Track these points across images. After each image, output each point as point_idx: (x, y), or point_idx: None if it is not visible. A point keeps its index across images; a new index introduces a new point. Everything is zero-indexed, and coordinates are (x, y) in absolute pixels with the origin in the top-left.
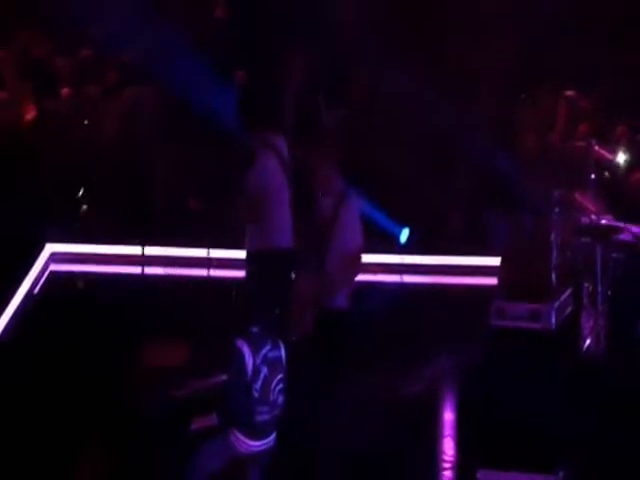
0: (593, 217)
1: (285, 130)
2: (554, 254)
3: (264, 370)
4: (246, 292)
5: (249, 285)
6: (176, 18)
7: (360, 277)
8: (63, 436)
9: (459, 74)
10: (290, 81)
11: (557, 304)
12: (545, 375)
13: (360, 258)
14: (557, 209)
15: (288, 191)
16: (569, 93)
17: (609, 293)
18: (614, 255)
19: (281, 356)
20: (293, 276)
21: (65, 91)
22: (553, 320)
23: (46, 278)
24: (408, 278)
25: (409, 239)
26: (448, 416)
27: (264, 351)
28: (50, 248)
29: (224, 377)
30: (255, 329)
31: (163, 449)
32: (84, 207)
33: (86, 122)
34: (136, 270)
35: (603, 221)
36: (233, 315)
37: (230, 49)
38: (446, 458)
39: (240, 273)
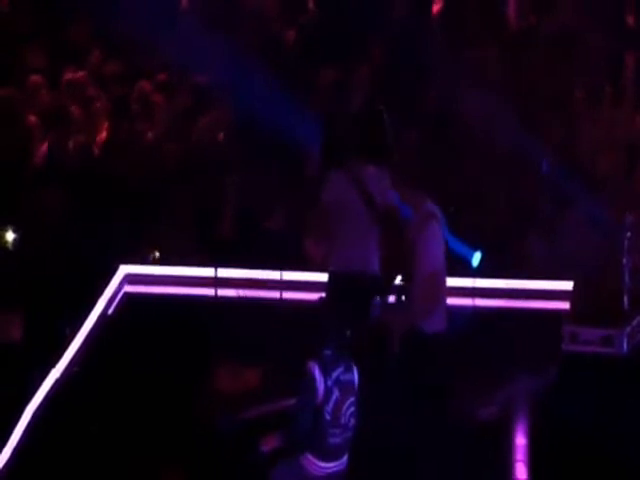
0: None
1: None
2: (626, 278)
3: (336, 392)
4: (319, 313)
5: (323, 306)
6: (247, 40)
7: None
8: (135, 459)
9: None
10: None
11: (629, 329)
12: (617, 401)
13: (440, 276)
14: (629, 233)
15: (365, 211)
16: None
17: None
18: None
19: (353, 379)
20: (373, 300)
21: (136, 114)
22: (625, 345)
23: (120, 299)
24: (480, 302)
25: (481, 262)
26: (520, 441)
27: (336, 374)
28: (124, 269)
29: (294, 400)
30: (328, 351)
31: (235, 471)
32: (156, 255)
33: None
34: (209, 292)
35: None
36: (306, 338)
37: (302, 70)
38: None
39: (312, 295)
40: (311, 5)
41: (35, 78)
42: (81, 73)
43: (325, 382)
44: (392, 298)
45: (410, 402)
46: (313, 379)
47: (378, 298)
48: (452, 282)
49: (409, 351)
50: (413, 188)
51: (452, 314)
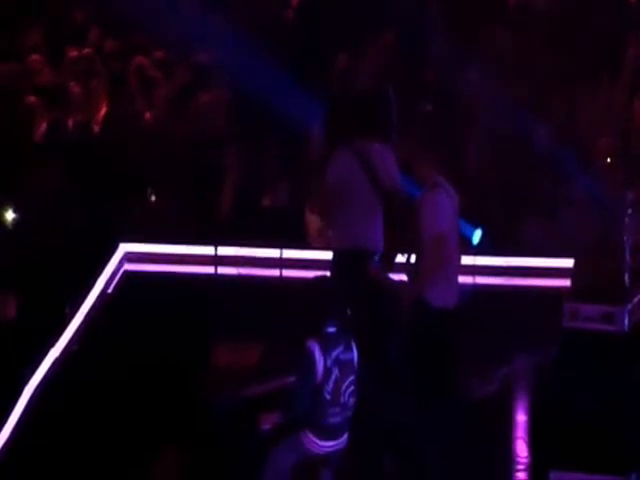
0: None
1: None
2: (627, 256)
3: (335, 372)
4: (320, 291)
5: (325, 284)
6: (247, 18)
7: None
8: (135, 435)
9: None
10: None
11: (630, 306)
12: (618, 377)
13: (445, 246)
14: (630, 210)
15: (369, 189)
16: None
17: None
18: None
19: (353, 358)
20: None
21: (135, 90)
22: (626, 322)
23: (120, 277)
24: (480, 279)
25: (481, 240)
26: (521, 418)
27: (336, 352)
28: (124, 248)
29: (293, 378)
30: (328, 330)
31: (234, 448)
32: (152, 198)
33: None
34: (209, 270)
35: None
36: (305, 316)
37: (303, 50)
38: (519, 460)
39: (312, 273)
40: None
41: (35, 57)
42: (86, 50)
43: (325, 361)
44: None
45: (409, 380)
46: (313, 358)
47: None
48: None
49: (413, 324)
50: (424, 161)
51: None
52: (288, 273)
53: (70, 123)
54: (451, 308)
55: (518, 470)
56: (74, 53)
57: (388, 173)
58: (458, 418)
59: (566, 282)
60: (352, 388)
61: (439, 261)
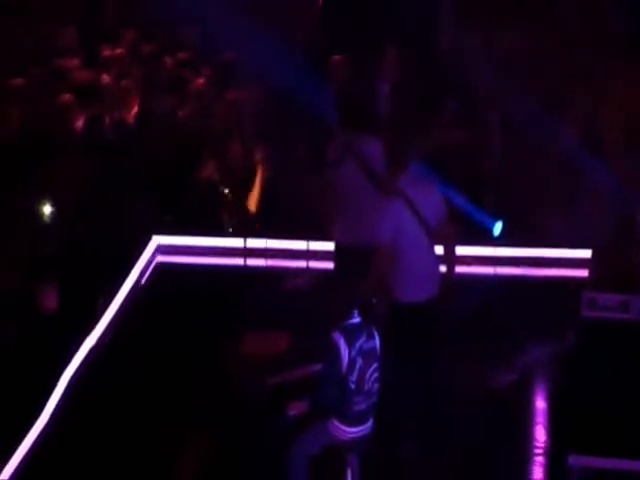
0: None
1: (378, 131)
2: None
3: (359, 361)
4: (337, 285)
5: (339, 279)
6: (271, 17)
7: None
8: (167, 423)
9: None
10: (383, 79)
11: None
12: (635, 365)
13: (402, 243)
14: None
15: (367, 185)
16: None
17: None
18: None
19: (375, 346)
20: None
21: (165, 89)
22: None
23: (152, 269)
24: (501, 270)
25: (502, 232)
26: (540, 404)
27: (359, 343)
28: (156, 240)
29: (318, 368)
30: (352, 321)
31: (263, 435)
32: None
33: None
34: (239, 261)
35: None
36: (331, 307)
37: (326, 46)
38: (538, 445)
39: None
40: None
41: (70, 58)
42: (119, 50)
43: (349, 353)
44: None
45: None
46: (338, 351)
47: None
48: (473, 251)
49: (387, 322)
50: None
51: (474, 282)
52: (314, 264)
53: (107, 120)
54: (424, 301)
55: (537, 455)
56: (107, 52)
57: (383, 168)
58: (468, 404)
59: (584, 272)
60: (375, 375)
61: (394, 262)
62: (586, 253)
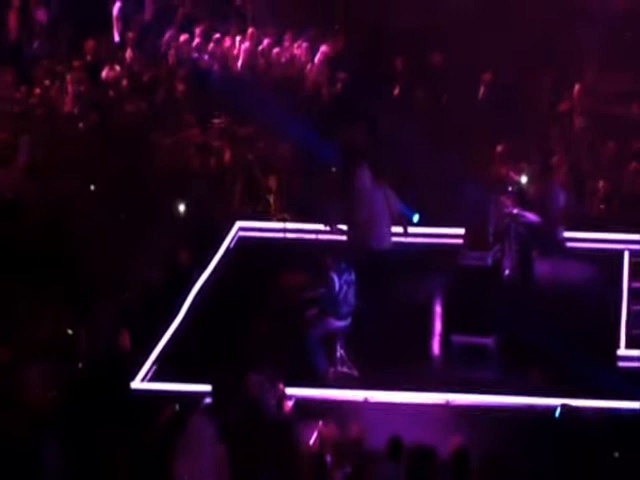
0: (510, 208)
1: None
2: (491, 225)
3: (345, 287)
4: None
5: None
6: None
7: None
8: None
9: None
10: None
11: (491, 253)
12: (485, 285)
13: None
14: (493, 203)
15: (380, 201)
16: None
17: (516, 247)
18: (521, 229)
19: (353, 278)
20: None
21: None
22: (489, 261)
23: (235, 245)
24: (414, 239)
25: (419, 220)
26: (437, 309)
27: (345, 276)
28: (239, 224)
29: (322, 290)
30: (342, 266)
31: (296, 324)
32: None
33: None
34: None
35: (514, 210)
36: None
37: (333, 120)
38: (436, 332)
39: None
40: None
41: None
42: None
43: (340, 283)
44: None
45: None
46: (333, 282)
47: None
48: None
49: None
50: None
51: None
52: (329, 237)
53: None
54: (387, 248)
55: (435, 337)
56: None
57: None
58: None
59: (460, 240)
60: (352, 293)
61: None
62: (462, 230)
